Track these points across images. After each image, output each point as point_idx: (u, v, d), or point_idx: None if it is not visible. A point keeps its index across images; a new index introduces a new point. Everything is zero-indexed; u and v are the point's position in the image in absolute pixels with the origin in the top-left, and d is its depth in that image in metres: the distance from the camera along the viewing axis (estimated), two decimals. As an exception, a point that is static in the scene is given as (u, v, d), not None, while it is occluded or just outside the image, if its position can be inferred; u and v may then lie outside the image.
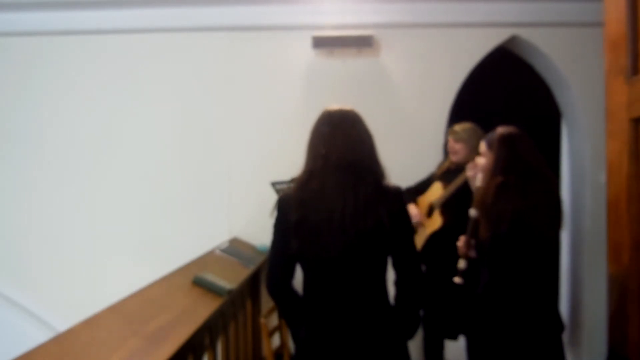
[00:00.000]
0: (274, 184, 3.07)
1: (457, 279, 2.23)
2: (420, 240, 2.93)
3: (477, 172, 2.24)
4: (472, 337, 2.91)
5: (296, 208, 1.48)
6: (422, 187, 3.06)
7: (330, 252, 1.46)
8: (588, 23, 3.31)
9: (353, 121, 1.56)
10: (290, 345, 2.09)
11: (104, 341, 1.63)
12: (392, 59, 3.56)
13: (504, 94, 4.54)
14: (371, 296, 1.52)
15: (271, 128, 3.57)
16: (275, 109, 3.58)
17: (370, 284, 1.52)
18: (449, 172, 2.95)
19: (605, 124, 2.22)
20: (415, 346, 3.18)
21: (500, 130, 2.06)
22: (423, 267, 3.03)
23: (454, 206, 2.78)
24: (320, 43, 3.48)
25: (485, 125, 2.15)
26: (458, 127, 2.92)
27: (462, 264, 2.21)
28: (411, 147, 3.47)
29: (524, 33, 3.50)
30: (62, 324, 3.06)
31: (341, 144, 1.50)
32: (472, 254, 2.18)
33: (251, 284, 3.03)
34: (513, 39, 3.55)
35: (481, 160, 2.15)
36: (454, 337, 3.01)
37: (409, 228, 1.58)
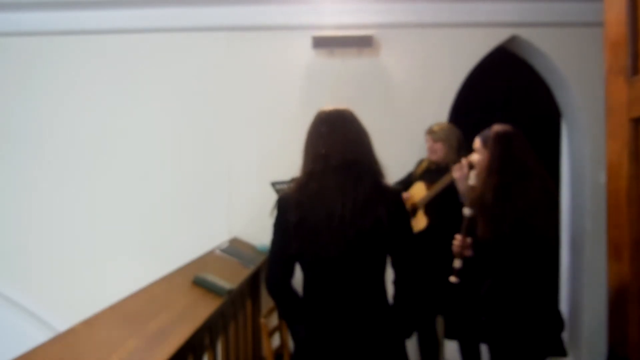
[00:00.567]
0: (274, 184, 3.07)
1: (452, 278, 2.23)
2: None
3: (465, 173, 2.25)
4: (470, 340, 2.92)
5: (295, 209, 1.49)
6: (401, 187, 3.07)
7: (330, 252, 1.46)
8: (588, 23, 3.32)
9: (350, 120, 1.57)
10: (290, 345, 2.09)
11: (104, 341, 1.63)
12: (392, 59, 3.56)
13: (504, 94, 4.54)
14: (370, 296, 1.52)
15: (271, 128, 3.57)
16: (275, 109, 3.58)
17: (369, 283, 1.52)
18: (430, 172, 2.97)
19: (605, 124, 2.21)
20: (412, 345, 3.18)
21: (496, 128, 2.06)
22: None
23: (439, 206, 2.79)
24: (320, 43, 3.48)
25: (486, 126, 2.15)
26: (436, 127, 2.97)
27: (457, 263, 2.21)
28: (411, 147, 3.46)
29: (524, 33, 3.50)
30: (62, 324, 3.07)
31: (340, 144, 1.51)
32: (468, 252, 2.18)
33: (251, 284, 3.03)
34: (513, 39, 3.55)
35: (475, 157, 2.15)
36: (451, 337, 3.02)
37: (408, 228, 1.58)
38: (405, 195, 2.92)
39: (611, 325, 2.19)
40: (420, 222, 2.89)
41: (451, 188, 2.59)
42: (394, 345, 1.54)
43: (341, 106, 1.61)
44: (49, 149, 3.70)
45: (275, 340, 2.58)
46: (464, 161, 2.32)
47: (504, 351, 2.00)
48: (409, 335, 1.60)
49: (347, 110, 1.59)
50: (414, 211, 2.95)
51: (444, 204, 2.76)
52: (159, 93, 3.65)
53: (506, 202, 1.92)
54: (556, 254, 3.86)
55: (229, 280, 2.40)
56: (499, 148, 2.00)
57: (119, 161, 3.67)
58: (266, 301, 3.28)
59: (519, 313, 1.95)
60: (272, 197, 2.85)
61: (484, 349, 2.44)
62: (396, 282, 1.56)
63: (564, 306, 3.81)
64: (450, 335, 3.06)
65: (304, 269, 1.56)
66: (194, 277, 2.32)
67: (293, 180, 1.59)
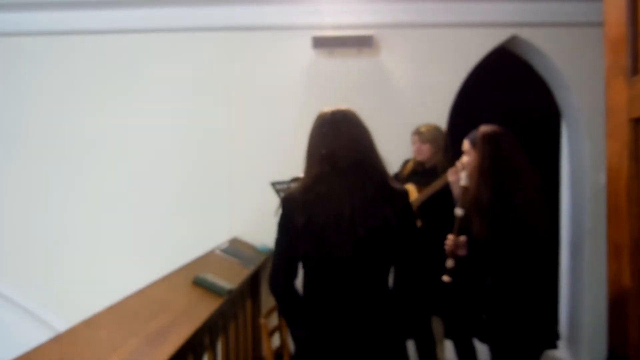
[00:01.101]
0: (274, 184, 3.07)
1: (445, 278, 2.25)
2: None
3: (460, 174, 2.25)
4: (465, 338, 2.92)
5: (302, 210, 1.48)
6: None
7: (341, 252, 1.46)
8: (588, 23, 3.32)
9: (353, 120, 1.57)
10: (290, 345, 2.09)
11: (104, 341, 1.63)
12: (392, 59, 3.56)
13: (504, 94, 4.54)
14: (375, 296, 1.52)
15: (271, 128, 3.57)
16: (275, 109, 3.58)
17: (374, 283, 1.52)
18: (417, 173, 2.97)
19: (605, 124, 2.22)
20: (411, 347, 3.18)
21: (483, 128, 2.08)
22: None
23: (432, 208, 2.79)
24: (320, 43, 3.48)
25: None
26: (423, 128, 2.98)
27: (450, 262, 2.23)
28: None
29: (524, 33, 3.50)
30: (62, 324, 3.08)
31: (346, 144, 1.50)
32: (462, 252, 2.20)
33: (251, 284, 3.03)
34: (513, 39, 3.55)
35: (464, 159, 2.16)
36: (449, 337, 3.02)
37: (415, 228, 1.59)
38: None
39: (611, 325, 2.20)
40: None
41: (445, 191, 2.59)
42: (396, 345, 1.54)
43: (342, 106, 1.61)
44: (49, 149, 3.70)
45: (275, 340, 2.58)
46: (459, 165, 2.32)
47: (505, 348, 2.01)
48: (411, 336, 1.60)
49: (350, 110, 1.59)
50: None
51: (436, 205, 2.76)
52: (158, 93, 3.65)
53: (504, 200, 1.93)
54: (556, 253, 3.87)
55: (229, 280, 2.40)
56: (488, 148, 2.01)
57: (118, 161, 3.67)
58: (266, 301, 3.28)
59: (520, 310, 1.96)
60: (272, 197, 2.85)
61: (483, 349, 2.43)
62: (401, 283, 1.56)
63: (563, 306, 3.81)
64: (449, 335, 3.06)
65: (307, 270, 1.55)
66: (194, 277, 2.32)
67: (294, 180, 1.60)
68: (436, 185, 2.76)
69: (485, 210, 1.97)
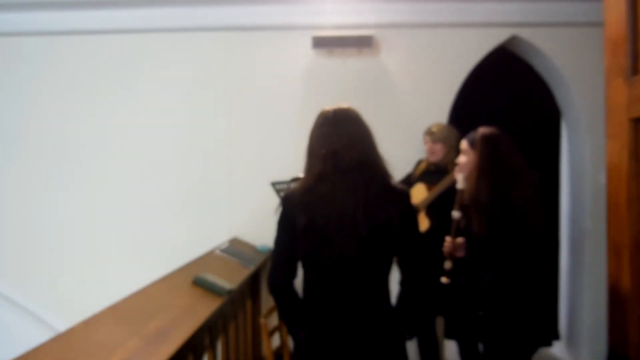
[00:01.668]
0: (274, 184, 3.07)
1: (444, 279, 2.27)
2: None
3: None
4: (474, 336, 2.92)
5: (304, 210, 1.47)
6: None
7: (344, 252, 1.45)
8: (588, 23, 3.32)
9: (355, 119, 1.56)
10: (290, 345, 2.09)
11: (104, 341, 1.63)
12: (392, 59, 3.56)
13: (504, 94, 4.54)
14: (375, 296, 1.52)
15: (271, 128, 3.57)
16: (275, 109, 3.58)
17: (376, 283, 1.52)
18: (429, 173, 2.96)
19: (605, 124, 2.22)
20: (412, 347, 3.18)
21: (482, 129, 2.12)
22: None
23: (441, 207, 2.79)
24: (320, 43, 3.48)
25: (486, 126, 2.17)
26: (435, 128, 2.97)
27: (448, 264, 2.26)
28: (411, 147, 3.46)
29: (524, 33, 3.50)
30: (62, 324, 3.07)
31: (348, 143, 1.49)
32: (460, 253, 2.23)
33: (251, 284, 3.03)
34: (513, 39, 3.55)
35: (462, 159, 2.17)
36: (451, 337, 3.02)
37: (416, 228, 1.59)
38: None
39: (611, 325, 2.20)
40: (422, 224, 2.88)
41: (452, 189, 2.58)
42: (396, 346, 1.54)
43: (344, 105, 1.60)
44: (49, 149, 3.70)
45: (275, 340, 2.58)
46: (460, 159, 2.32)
47: (500, 345, 2.01)
48: (411, 336, 1.60)
49: (352, 109, 1.58)
50: None
51: (445, 205, 2.75)
52: (158, 93, 3.65)
53: (503, 199, 1.96)
54: (556, 253, 3.87)
55: (229, 280, 2.40)
56: (487, 148, 2.05)
57: (119, 161, 3.67)
58: (266, 301, 3.28)
59: (517, 307, 1.97)
60: (272, 197, 2.85)
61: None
62: (402, 283, 1.56)
63: (563, 306, 3.81)
64: (449, 335, 3.06)
65: (307, 269, 1.55)
66: (194, 277, 2.32)
67: (294, 180, 1.59)
68: (444, 184, 2.76)
69: (485, 209, 1.99)
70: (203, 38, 3.62)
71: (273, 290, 1.59)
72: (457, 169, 2.43)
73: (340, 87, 3.49)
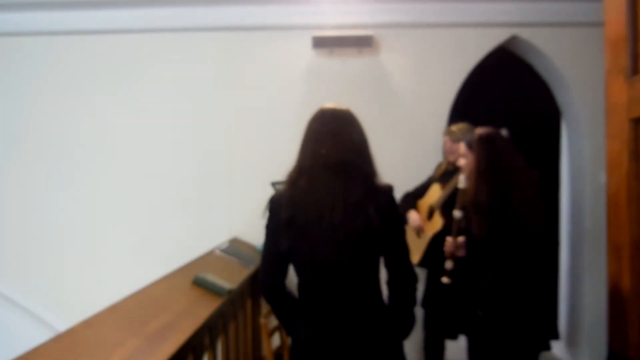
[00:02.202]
0: (274, 184, 3.07)
1: (445, 279, 2.27)
2: (423, 244, 2.93)
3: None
4: (474, 336, 2.92)
5: (286, 206, 1.48)
6: (420, 191, 3.07)
7: (321, 252, 1.45)
8: (588, 23, 3.32)
9: (345, 120, 1.55)
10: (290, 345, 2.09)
11: (104, 341, 1.63)
12: (392, 59, 3.56)
13: (504, 94, 4.54)
14: (364, 296, 1.51)
15: (271, 128, 3.57)
16: (276, 109, 3.58)
17: (362, 284, 1.51)
18: (447, 173, 2.95)
19: (605, 124, 2.22)
20: (416, 347, 3.18)
21: (479, 131, 2.13)
22: (427, 270, 3.02)
23: (454, 205, 2.78)
24: (320, 43, 3.48)
25: (486, 126, 2.18)
26: (454, 128, 2.95)
27: (449, 264, 2.27)
28: (411, 147, 3.47)
29: (524, 33, 3.50)
30: (62, 324, 3.08)
31: (330, 143, 1.49)
32: (461, 253, 2.24)
33: (251, 284, 3.03)
34: (513, 39, 3.55)
35: (462, 161, 2.19)
36: (454, 337, 3.01)
37: (399, 227, 1.57)
38: (413, 217, 2.95)
39: (611, 325, 2.20)
40: (436, 223, 2.87)
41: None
42: (390, 346, 1.53)
43: (341, 106, 1.60)
44: (49, 149, 3.70)
45: (275, 340, 2.58)
46: (459, 161, 2.33)
47: (500, 346, 2.01)
48: (405, 336, 1.59)
49: (346, 111, 1.58)
50: (431, 213, 2.94)
51: (453, 205, 2.74)
52: (158, 93, 3.65)
53: (502, 199, 1.96)
54: (556, 253, 3.87)
55: (229, 280, 2.40)
56: (485, 149, 2.06)
57: (118, 161, 3.67)
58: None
59: (518, 307, 1.97)
60: (272, 197, 2.85)
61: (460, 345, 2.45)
62: (390, 283, 1.55)
63: (563, 306, 3.81)
64: (450, 335, 3.05)
65: (297, 270, 1.55)
66: (194, 277, 2.32)
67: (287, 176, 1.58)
68: (454, 183, 2.75)
69: (485, 209, 2.00)
70: (203, 38, 3.62)
71: (264, 292, 1.60)
72: (460, 170, 2.44)
73: (340, 87, 3.49)
